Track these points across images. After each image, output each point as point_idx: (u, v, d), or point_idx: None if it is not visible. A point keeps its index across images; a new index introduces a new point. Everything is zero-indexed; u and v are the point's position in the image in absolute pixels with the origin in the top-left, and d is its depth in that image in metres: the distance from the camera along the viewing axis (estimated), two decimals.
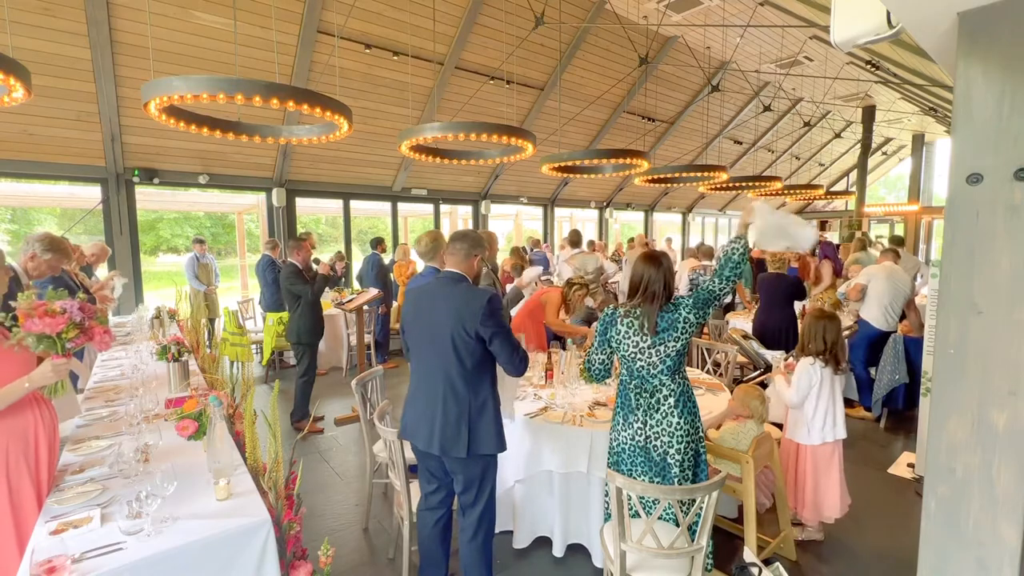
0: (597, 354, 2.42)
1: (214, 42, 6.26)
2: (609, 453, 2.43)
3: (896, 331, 4.86)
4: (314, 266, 4.96)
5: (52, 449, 2.02)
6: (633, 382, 2.32)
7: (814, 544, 3.02)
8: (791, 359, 3.34)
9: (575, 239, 6.99)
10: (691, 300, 2.23)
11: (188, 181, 7.69)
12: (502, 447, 2.28)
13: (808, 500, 2.96)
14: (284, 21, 6.44)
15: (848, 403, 4.90)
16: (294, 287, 4.63)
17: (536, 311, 4.36)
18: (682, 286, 7.15)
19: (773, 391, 3.25)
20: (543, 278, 7.23)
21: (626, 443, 2.33)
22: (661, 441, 2.26)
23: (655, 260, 2.26)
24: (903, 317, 5.01)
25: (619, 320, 2.32)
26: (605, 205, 13.86)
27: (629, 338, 2.28)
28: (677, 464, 2.24)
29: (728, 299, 7.12)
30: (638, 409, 2.30)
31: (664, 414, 2.26)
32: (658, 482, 2.26)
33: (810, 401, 2.92)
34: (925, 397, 3.90)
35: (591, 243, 9.17)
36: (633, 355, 2.28)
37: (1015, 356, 1.14)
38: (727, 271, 2.23)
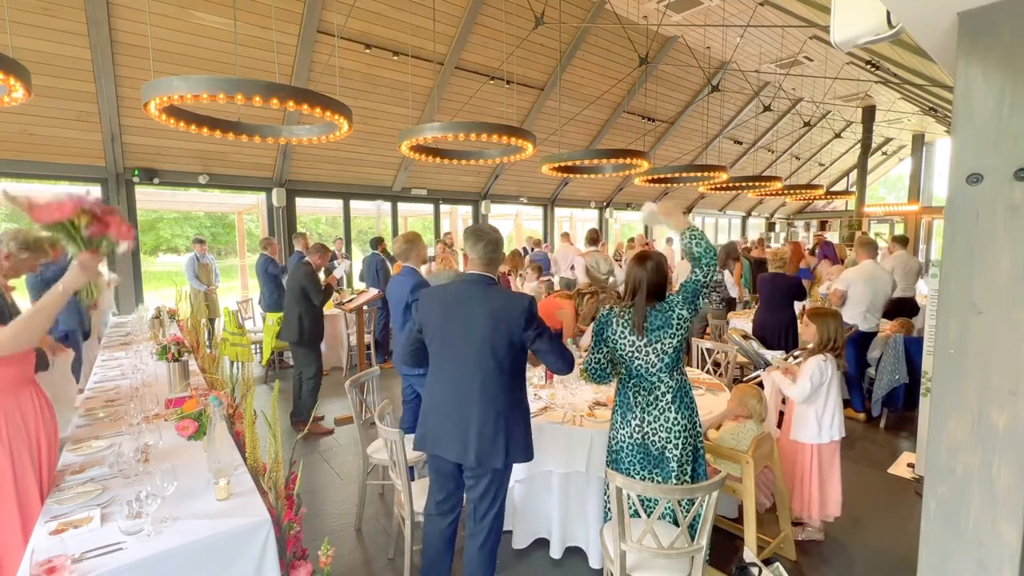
0: (594, 354, 2.43)
1: (214, 42, 6.26)
2: (608, 452, 2.44)
3: (877, 330, 4.91)
4: (322, 275, 4.93)
5: (51, 447, 2.02)
6: (632, 380, 2.34)
7: (814, 544, 3.02)
8: (791, 360, 3.33)
9: (594, 237, 7.09)
10: (681, 297, 2.25)
11: (188, 181, 7.69)
12: (530, 456, 2.26)
13: (814, 500, 2.94)
14: (284, 21, 6.45)
15: None
16: (312, 288, 4.52)
17: (549, 319, 4.35)
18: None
19: (769, 387, 3.22)
20: (544, 278, 7.23)
21: (624, 440, 2.35)
22: (659, 437, 2.27)
23: (642, 260, 2.31)
24: (888, 314, 5.03)
25: (614, 321, 2.35)
26: (605, 205, 13.87)
27: (625, 338, 2.31)
28: (675, 460, 2.25)
29: (730, 296, 7.10)
30: (636, 407, 2.32)
31: (662, 410, 2.27)
32: (656, 475, 2.28)
33: (820, 399, 2.90)
34: (925, 397, 3.90)
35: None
36: (630, 354, 2.30)
37: (1015, 356, 1.14)
38: (703, 260, 2.24)
